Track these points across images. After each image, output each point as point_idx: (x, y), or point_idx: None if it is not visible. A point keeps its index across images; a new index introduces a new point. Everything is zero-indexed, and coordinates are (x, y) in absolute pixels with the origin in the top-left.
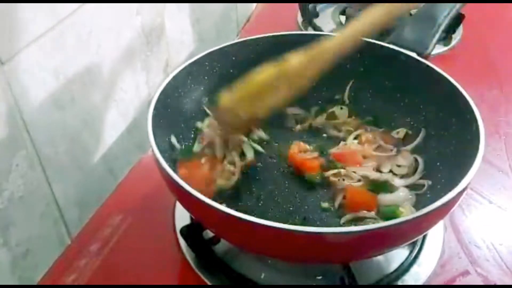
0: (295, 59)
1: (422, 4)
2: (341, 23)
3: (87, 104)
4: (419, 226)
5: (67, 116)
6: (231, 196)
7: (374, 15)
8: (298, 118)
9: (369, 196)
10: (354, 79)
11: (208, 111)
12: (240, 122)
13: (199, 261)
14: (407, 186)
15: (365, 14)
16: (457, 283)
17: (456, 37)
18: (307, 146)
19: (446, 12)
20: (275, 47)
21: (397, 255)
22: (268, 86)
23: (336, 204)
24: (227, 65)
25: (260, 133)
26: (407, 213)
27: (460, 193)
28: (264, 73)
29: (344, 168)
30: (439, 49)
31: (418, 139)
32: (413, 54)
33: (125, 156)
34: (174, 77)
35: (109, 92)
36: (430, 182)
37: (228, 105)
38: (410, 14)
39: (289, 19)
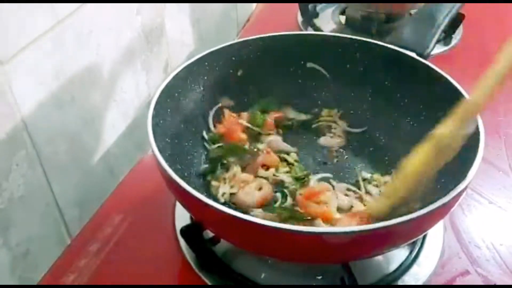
0: (444, 128)
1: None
2: (341, 23)
3: (87, 104)
4: (419, 226)
5: (67, 116)
6: None
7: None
8: (295, 121)
9: None
10: (354, 79)
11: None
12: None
13: (199, 261)
14: None
15: (497, 59)
16: (457, 283)
17: (456, 37)
18: None
19: (446, 12)
20: (275, 47)
21: (397, 255)
22: (427, 164)
23: None
24: (227, 65)
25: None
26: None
27: (460, 193)
28: (421, 153)
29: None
30: (439, 49)
31: None
32: (413, 54)
33: (125, 156)
34: (174, 77)
35: (109, 92)
36: None
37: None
38: (410, 14)
39: (289, 19)
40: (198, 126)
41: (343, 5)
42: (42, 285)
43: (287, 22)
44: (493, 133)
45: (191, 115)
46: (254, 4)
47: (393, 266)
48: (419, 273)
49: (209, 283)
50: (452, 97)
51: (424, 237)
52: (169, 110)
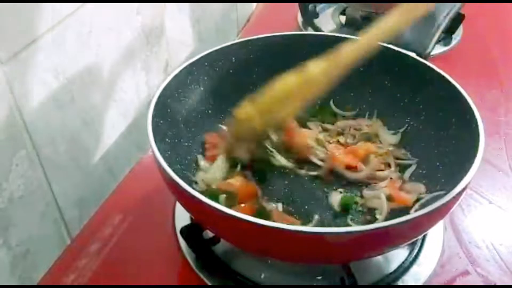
0: (315, 67)
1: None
2: (341, 23)
3: (87, 104)
4: (419, 226)
5: (67, 116)
6: None
7: (391, 19)
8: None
9: None
10: (353, 79)
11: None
12: (255, 133)
13: (199, 261)
14: None
15: (382, 19)
16: (457, 283)
17: (456, 37)
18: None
19: (446, 12)
20: (275, 47)
21: (397, 255)
22: (289, 94)
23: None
24: (227, 65)
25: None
26: None
27: (460, 193)
28: (286, 81)
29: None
30: (439, 49)
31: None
32: (413, 54)
33: (125, 156)
34: (174, 77)
35: (109, 92)
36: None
37: (246, 117)
38: None
39: (289, 19)
40: (198, 126)
41: (343, 5)
42: (42, 285)
43: (287, 22)
44: (493, 133)
45: (191, 115)
46: (254, 4)
47: (393, 266)
48: (419, 273)
49: (209, 283)
50: (452, 97)
51: (424, 237)
52: (169, 110)
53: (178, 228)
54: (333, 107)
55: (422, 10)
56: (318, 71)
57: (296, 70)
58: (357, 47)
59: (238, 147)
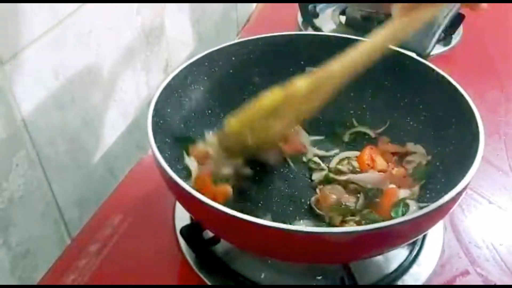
0: (301, 83)
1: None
2: (341, 23)
3: (87, 104)
4: (419, 226)
5: (67, 116)
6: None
7: (385, 30)
8: None
9: None
10: (353, 79)
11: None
12: (245, 148)
13: (199, 261)
14: None
15: (375, 32)
16: (457, 283)
17: (456, 37)
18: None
19: (446, 12)
20: (275, 47)
21: (397, 255)
22: (275, 110)
23: None
24: (227, 65)
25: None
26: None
27: (460, 193)
28: (271, 97)
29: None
30: (439, 49)
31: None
32: (413, 54)
33: (125, 156)
34: (174, 77)
35: (109, 92)
36: None
37: (234, 129)
38: None
39: (289, 19)
40: (198, 126)
41: (343, 5)
42: (42, 285)
43: (287, 22)
44: (493, 133)
45: (191, 115)
46: (254, 4)
47: (393, 266)
48: (419, 273)
49: (209, 283)
50: (452, 97)
51: (424, 237)
52: (169, 110)
53: (178, 228)
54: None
55: (418, 19)
56: (304, 87)
57: (282, 86)
58: (347, 63)
59: (225, 162)
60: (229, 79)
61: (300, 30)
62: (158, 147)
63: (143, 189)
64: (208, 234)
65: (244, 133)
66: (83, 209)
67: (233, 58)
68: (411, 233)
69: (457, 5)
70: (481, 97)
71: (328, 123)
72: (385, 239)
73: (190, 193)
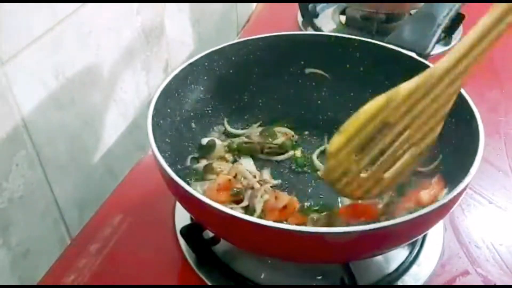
0: (404, 85)
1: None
2: (341, 23)
3: (87, 104)
4: (419, 226)
5: (67, 116)
6: None
7: (480, 27)
8: None
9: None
10: (353, 79)
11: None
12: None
13: (199, 261)
14: None
15: (471, 29)
16: (457, 283)
17: (456, 37)
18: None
19: (446, 12)
20: (275, 47)
21: (397, 255)
22: (379, 117)
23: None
24: (227, 65)
25: None
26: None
27: (460, 193)
28: (372, 103)
29: None
30: (439, 49)
31: None
32: (413, 54)
33: (125, 156)
34: (174, 77)
35: (109, 92)
36: None
37: (338, 148)
38: (410, 14)
39: (289, 19)
40: (198, 126)
41: (343, 5)
42: (42, 285)
43: (287, 22)
44: (493, 133)
45: (191, 115)
46: (254, 4)
47: (393, 266)
48: (419, 273)
49: (209, 283)
50: None
51: (424, 237)
52: (169, 110)
53: (178, 228)
54: None
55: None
56: (408, 88)
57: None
58: (446, 65)
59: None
60: (229, 79)
61: (300, 30)
62: (158, 147)
63: (143, 189)
64: (208, 234)
65: (348, 154)
66: (83, 209)
67: (233, 58)
68: (411, 233)
69: (457, 5)
70: (481, 97)
71: (328, 123)
72: (385, 239)
73: (190, 194)
